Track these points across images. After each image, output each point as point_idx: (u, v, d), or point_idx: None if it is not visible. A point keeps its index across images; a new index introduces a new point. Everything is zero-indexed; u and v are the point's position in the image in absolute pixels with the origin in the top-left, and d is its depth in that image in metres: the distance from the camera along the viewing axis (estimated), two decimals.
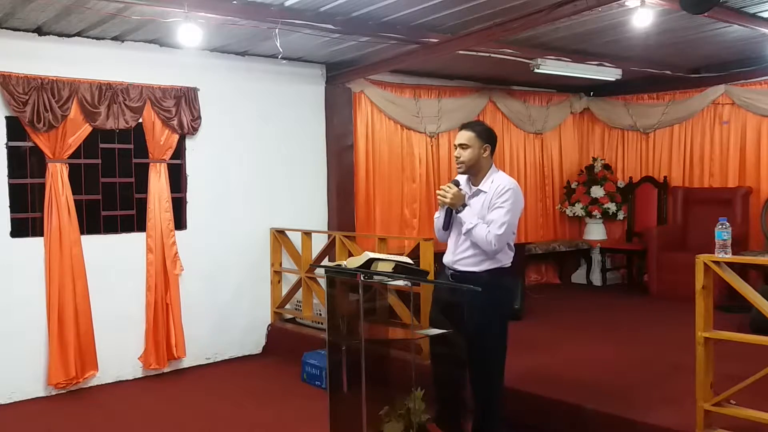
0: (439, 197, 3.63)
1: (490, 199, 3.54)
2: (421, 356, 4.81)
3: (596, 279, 8.66)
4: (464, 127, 3.67)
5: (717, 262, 3.29)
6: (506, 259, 3.63)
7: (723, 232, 3.31)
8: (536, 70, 6.52)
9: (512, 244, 3.67)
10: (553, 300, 7.63)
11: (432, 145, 7.76)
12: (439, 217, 3.76)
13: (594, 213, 8.59)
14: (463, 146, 3.61)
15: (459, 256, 3.63)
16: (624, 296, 7.90)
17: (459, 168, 3.65)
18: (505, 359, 3.68)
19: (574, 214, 8.76)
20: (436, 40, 5.58)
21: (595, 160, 8.90)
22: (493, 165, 3.68)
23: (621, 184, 8.72)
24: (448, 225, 3.68)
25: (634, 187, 8.62)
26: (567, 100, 8.97)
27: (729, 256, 3.30)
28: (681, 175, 8.26)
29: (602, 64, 6.85)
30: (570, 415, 3.97)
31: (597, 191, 8.58)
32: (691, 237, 7.82)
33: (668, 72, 7.51)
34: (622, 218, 8.70)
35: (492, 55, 6.04)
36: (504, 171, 8.69)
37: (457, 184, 3.64)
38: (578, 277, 8.91)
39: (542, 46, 6.22)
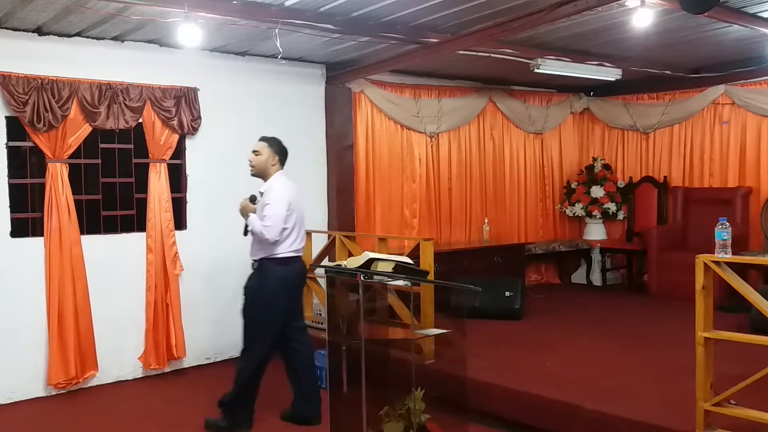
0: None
1: (265, 200, 4.30)
2: (421, 356, 4.82)
3: (596, 279, 8.67)
4: (262, 138, 4.50)
5: (717, 262, 3.29)
6: (276, 250, 4.31)
7: (723, 232, 3.31)
8: (536, 70, 6.52)
9: (288, 239, 4.34)
10: (552, 300, 7.64)
11: (432, 145, 7.76)
12: None
13: (594, 213, 8.60)
14: (256, 153, 4.43)
15: (252, 248, 4.42)
16: (624, 296, 7.90)
17: (251, 171, 4.46)
18: (267, 336, 4.36)
19: (574, 214, 8.77)
20: (435, 40, 5.59)
21: (595, 160, 8.90)
22: (280, 173, 4.46)
23: (621, 184, 8.72)
24: (246, 231, 4.44)
25: (634, 187, 8.62)
26: (567, 100, 8.97)
27: (729, 256, 3.30)
28: (681, 175, 8.26)
29: (602, 64, 6.85)
30: (570, 414, 3.97)
31: (597, 191, 8.58)
32: (691, 237, 7.83)
33: (668, 72, 7.52)
34: (622, 218, 8.70)
35: (492, 55, 6.04)
36: (505, 171, 8.57)
37: (253, 199, 4.44)
38: (578, 277, 8.91)
39: (542, 46, 6.23)
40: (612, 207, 8.54)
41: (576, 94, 9.01)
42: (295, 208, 4.38)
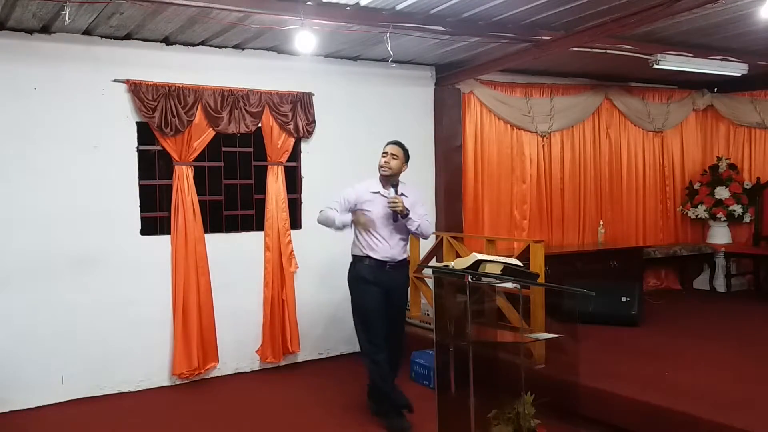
0: (392, 207, 4.42)
1: (414, 200, 4.58)
2: (531, 360, 4.75)
3: (720, 285, 8.26)
4: (394, 143, 4.62)
5: None
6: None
7: None
8: (655, 66, 6.28)
9: None
10: (673, 306, 7.33)
11: (543, 145, 7.63)
12: (323, 211, 4.73)
13: (718, 215, 8.22)
14: (393, 156, 4.54)
15: (396, 249, 4.58)
16: (750, 303, 7.49)
17: (385, 172, 4.51)
18: None
19: (696, 216, 8.39)
20: (548, 38, 5.49)
21: (719, 159, 8.49)
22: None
23: (747, 185, 8.26)
24: (397, 218, 4.52)
25: (762, 189, 8.14)
26: (689, 96, 8.57)
27: None
28: None
29: (726, 58, 6.51)
30: (688, 426, 3.80)
31: (722, 192, 8.19)
32: None
33: None
34: (748, 221, 8.24)
35: (608, 51, 5.88)
36: (622, 171, 8.32)
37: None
38: (701, 282, 8.52)
39: (662, 40, 5.99)
40: (738, 209, 8.12)
41: (698, 91, 8.60)
42: None
